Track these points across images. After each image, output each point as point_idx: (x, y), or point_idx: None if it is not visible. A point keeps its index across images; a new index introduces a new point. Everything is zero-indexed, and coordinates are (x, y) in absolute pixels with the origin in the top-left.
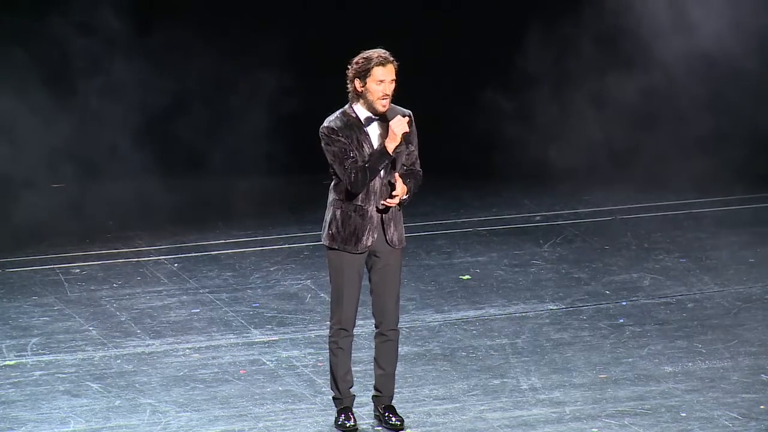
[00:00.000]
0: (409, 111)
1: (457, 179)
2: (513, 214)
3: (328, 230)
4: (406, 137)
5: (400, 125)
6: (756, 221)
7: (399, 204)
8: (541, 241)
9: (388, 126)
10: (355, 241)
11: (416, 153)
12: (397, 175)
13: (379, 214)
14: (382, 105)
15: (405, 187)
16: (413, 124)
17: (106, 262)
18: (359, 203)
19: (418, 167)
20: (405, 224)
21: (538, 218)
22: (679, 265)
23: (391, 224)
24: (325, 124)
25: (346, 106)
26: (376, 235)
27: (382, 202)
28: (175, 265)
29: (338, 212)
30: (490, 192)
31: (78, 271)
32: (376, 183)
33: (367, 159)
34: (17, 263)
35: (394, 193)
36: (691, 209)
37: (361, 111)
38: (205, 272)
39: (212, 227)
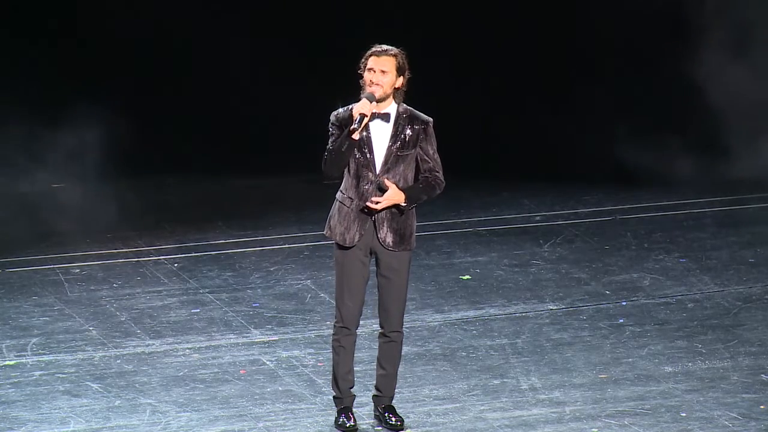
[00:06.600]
0: (430, 118)
1: (457, 179)
2: (513, 214)
3: (328, 221)
4: (405, 142)
5: (358, 106)
6: (756, 221)
7: (399, 210)
8: (541, 241)
9: (390, 123)
10: (344, 234)
11: (434, 160)
12: (387, 181)
13: (370, 213)
14: (371, 90)
15: (401, 193)
16: (429, 130)
17: (106, 262)
18: (350, 196)
19: (440, 177)
20: None
21: (538, 218)
22: (679, 265)
23: (384, 224)
24: (333, 112)
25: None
26: (363, 232)
27: (368, 203)
28: (175, 265)
29: (337, 204)
30: (490, 192)
31: (78, 271)
32: (368, 180)
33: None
34: (17, 263)
35: (374, 198)
36: (691, 209)
37: None
38: (205, 272)
39: (212, 227)
